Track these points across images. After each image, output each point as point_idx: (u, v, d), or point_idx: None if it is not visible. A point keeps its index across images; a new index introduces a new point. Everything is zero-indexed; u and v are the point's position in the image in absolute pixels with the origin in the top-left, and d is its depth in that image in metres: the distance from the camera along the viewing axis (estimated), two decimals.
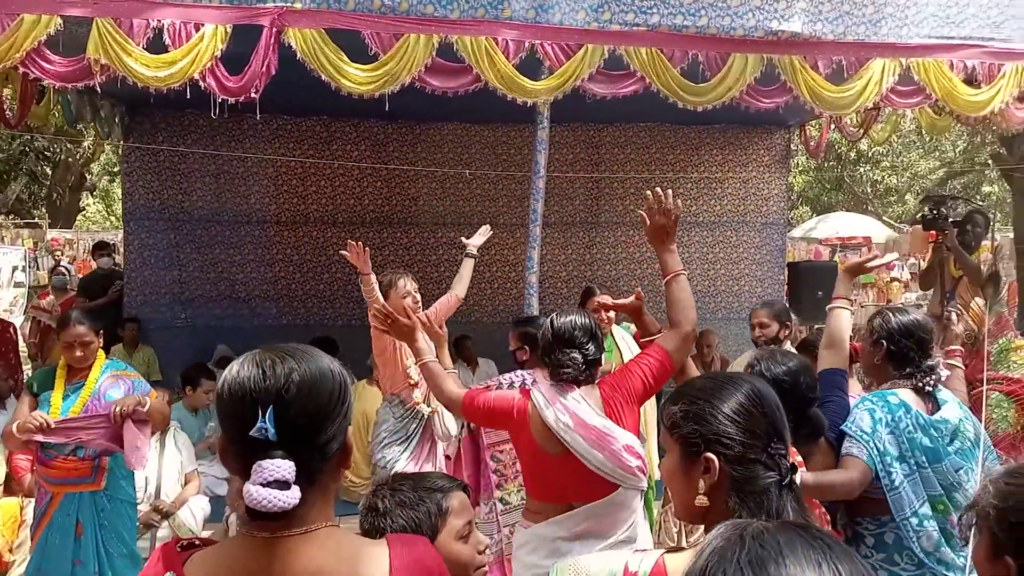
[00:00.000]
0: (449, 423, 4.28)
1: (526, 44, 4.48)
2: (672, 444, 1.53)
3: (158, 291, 7.68)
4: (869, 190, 20.40)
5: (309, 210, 7.87)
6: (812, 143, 8.40)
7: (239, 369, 1.25)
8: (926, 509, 2.55)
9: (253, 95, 4.30)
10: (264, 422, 1.19)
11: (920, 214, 6.71)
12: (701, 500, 1.47)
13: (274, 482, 1.18)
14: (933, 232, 6.70)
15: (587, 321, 2.76)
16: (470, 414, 2.94)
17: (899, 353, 2.75)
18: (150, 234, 7.66)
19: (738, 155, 8.66)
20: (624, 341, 4.61)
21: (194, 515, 4.73)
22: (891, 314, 2.87)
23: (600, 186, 8.47)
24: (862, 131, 7.27)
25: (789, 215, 12.46)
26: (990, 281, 5.80)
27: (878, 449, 2.57)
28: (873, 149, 17.92)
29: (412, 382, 4.08)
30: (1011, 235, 11.15)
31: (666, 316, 2.77)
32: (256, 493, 1.18)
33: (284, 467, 1.19)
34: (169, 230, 7.70)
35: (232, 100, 4.34)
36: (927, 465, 2.59)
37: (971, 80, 5.10)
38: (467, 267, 4.43)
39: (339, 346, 6.25)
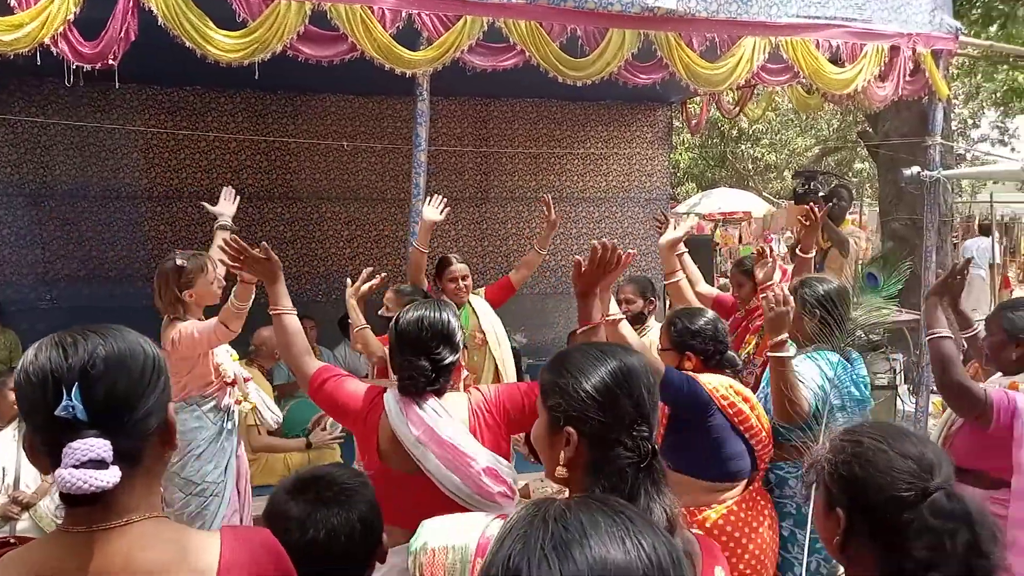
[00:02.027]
0: (273, 407, 4.02)
1: (403, 13, 4.38)
2: (542, 410, 1.56)
3: (19, 271, 7.20)
4: (750, 167, 21.16)
5: (183, 185, 7.51)
6: (693, 120, 8.62)
7: (37, 353, 1.16)
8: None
9: (111, 62, 4.04)
10: (70, 400, 1.11)
11: (793, 189, 7.04)
12: (560, 472, 1.50)
13: (88, 462, 1.09)
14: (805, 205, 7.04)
15: (438, 317, 2.32)
16: (315, 396, 2.49)
17: (829, 317, 3.20)
18: (8, 211, 7.15)
19: (623, 131, 8.81)
20: (481, 309, 4.62)
21: (58, 506, 4.49)
22: (815, 283, 3.34)
23: (489, 161, 8.46)
24: (738, 108, 7.52)
25: (672, 191, 12.80)
26: (838, 246, 6.19)
27: (822, 399, 3.02)
28: (753, 127, 18.58)
29: (228, 380, 3.71)
30: (877, 209, 11.77)
31: None
32: (69, 476, 1.09)
33: (98, 445, 1.11)
34: (30, 206, 7.21)
35: (89, 67, 4.07)
36: (857, 412, 3.12)
37: (836, 59, 5.32)
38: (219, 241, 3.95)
39: None
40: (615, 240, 2.07)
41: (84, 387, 1.13)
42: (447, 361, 2.30)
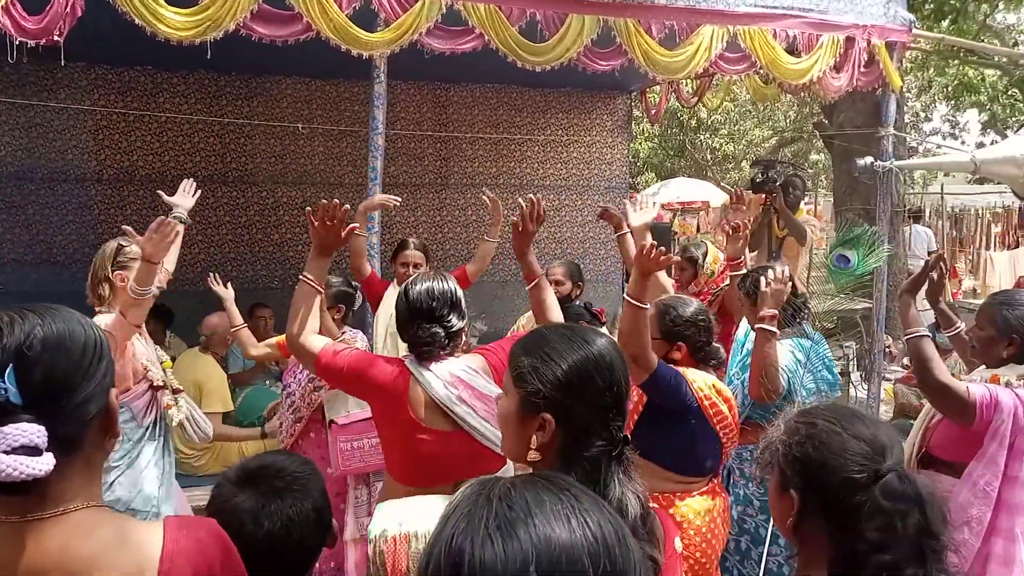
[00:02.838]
0: (204, 424, 3.60)
1: None
2: (513, 392, 1.53)
3: None
4: (708, 157, 21.35)
5: (135, 167, 7.32)
6: (652, 109, 8.65)
7: None
8: None
9: (57, 39, 3.92)
10: (4, 382, 1.05)
11: (751, 178, 7.12)
12: (533, 455, 1.49)
13: (20, 448, 1.04)
14: (764, 194, 7.11)
15: (446, 287, 2.47)
16: (327, 374, 2.52)
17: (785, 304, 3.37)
18: None
19: (583, 119, 8.81)
20: None
21: None
22: (769, 271, 3.38)
23: (449, 147, 8.40)
24: (697, 98, 7.56)
25: (632, 180, 12.84)
26: (795, 234, 6.27)
27: (795, 383, 3.24)
28: (712, 118, 18.73)
29: (158, 383, 3.31)
30: (832, 199, 11.97)
31: (535, 319, 2.73)
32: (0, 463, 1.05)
33: (31, 431, 1.05)
34: None
35: (33, 43, 3.93)
36: (828, 394, 3.37)
37: (792, 49, 5.37)
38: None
39: (173, 313, 5.95)
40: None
41: (19, 369, 1.08)
42: (456, 327, 2.46)
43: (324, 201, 2.50)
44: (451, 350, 2.47)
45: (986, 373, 2.75)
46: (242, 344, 4.39)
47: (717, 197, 15.31)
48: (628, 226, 3.94)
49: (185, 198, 3.89)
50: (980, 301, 10.44)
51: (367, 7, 4.36)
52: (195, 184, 3.97)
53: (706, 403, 2.78)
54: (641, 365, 2.67)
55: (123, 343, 3.11)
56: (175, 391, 3.47)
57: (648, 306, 2.69)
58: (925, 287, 3.31)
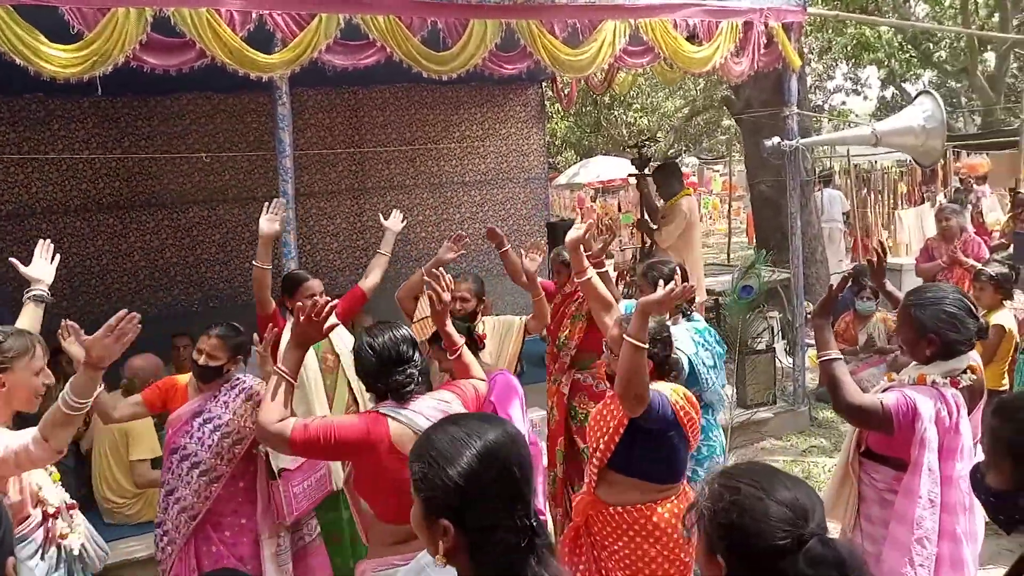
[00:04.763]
0: (101, 543, 3.06)
1: (253, 15, 4.18)
2: (416, 498, 1.49)
3: None
4: (625, 132, 21.56)
5: (34, 201, 7.01)
6: (565, 91, 8.68)
7: None
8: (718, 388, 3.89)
9: None
10: None
11: (631, 160, 7.36)
12: (440, 561, 1.46)
13: None
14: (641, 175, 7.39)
15: (402, 332, 2.61)
16: (304, 450, 2.46)
17: None
18: None
19: (496, 112, 8.80)
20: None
21: None
22: (659, 265, 3.82)
23: (363, 151, 8.28)
24: (607, 84, 7.62)
25: (552, 161, 12.86)
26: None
27: (696, 363, 3.67)
28: (625, 93, 18.89)
29: (51, 511, 2.70)
30: (744, 170, 12.22)
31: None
32: None
33: None
34: None
35: None
36: (717, 364, 3.82)
37: (693, 37, 5.44)
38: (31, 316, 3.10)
39: None
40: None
41: None
42: (423, 365, 2.60)
43: (316, 299, 2.63)
44: (423, 389, 2.59)
45: (914, 372, 2.78)
46: (102, 409, 3.55)
47: None
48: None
49: (45, 267, 3.25)
50: (894, 260, 10.80)
51: (262, 27, 4.24)
52: (51, 244, 3.35)
53: (681, 414, 2.88)
54: (642, 402, 2.73)
55: (22, 469, 2.50)
56: (69, 507, 2.84)
57: (647, 346, 2.74)
58: (870, 275, 3.62)
